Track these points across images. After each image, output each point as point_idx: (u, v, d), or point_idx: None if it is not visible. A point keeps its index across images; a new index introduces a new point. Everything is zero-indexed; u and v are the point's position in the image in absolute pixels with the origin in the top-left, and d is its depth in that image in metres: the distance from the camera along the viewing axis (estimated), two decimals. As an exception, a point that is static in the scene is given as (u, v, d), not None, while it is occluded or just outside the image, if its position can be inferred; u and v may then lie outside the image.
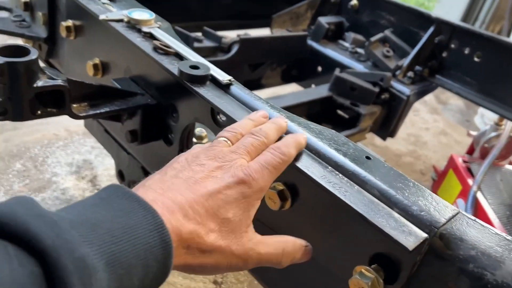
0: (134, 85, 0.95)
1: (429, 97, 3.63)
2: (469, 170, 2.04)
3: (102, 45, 1.03)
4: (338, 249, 0.65)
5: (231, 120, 0.72)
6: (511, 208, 1.85)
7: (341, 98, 1.94)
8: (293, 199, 0.69)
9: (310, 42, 2.20)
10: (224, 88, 0.78)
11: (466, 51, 1.96)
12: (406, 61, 1.99)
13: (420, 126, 3.09)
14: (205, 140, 1.12)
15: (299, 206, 0.68)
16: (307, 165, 0.63)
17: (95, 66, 1.05)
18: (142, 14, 0.91)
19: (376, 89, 1.93)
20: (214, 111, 0.77)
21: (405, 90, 1.94)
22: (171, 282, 1.50)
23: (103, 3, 0.99)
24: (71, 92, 0.79)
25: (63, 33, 1.12)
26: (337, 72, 1.94)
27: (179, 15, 2.01)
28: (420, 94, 2.04)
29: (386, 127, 2.04)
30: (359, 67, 2.08)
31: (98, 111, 0.84)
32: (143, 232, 0.43)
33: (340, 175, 0.63)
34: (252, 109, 0.75)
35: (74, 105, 0.82)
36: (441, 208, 0.60)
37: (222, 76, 0.78)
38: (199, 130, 1.01)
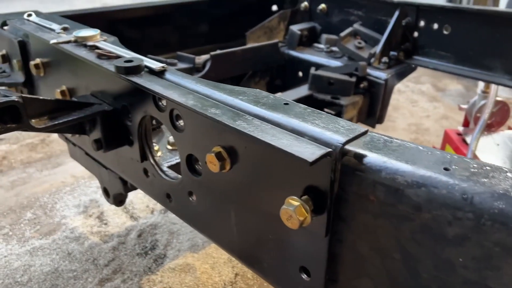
0: (93, 98, 1.03)
1: (426, 87, 3.64)
2: (464, 142, 2.03)
3: (64, 72, 1.13)
4: (277, 192, 0.69)
5: (171, 104, 0.79)
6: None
7: (321, 95, 1.99)
8: (232, 160, 0.74)
9: (286, 51, 2.28)
10: (159, 74, 0.84)
11: (435, 26, 2.00)
12: (378, 48, 2.04)
13: (420, 115, 3.09)
14: (159, 153, 1.19)
15: (237, 164, 0.73)
16: (231, 121, 0.68)
17: (62, 92, 1.14)
18: (88, 31, 1.00)
19: (353, 79, 1.97)
20: (155, 98, 0.84)
21: (381, 75, 1.98)
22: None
23: (58, 33, 1.09)
24: (27, 107, 0.87)
25: (34, 71, 1.23)
26: (312, 70, 2.01)
27: (160, 48, 2.13)
28: (399, 76, 2.07)
29: (372, 114, 2.06)
30: (336, 64, 2.13)
31: (56, 122, 0.92)
32: None
33: (258, 120, 0.68)
34: (188, 88, 0.81)
35: (34, 120, 0.90)
36: (350, 129, 0.64)
37: (156, 65, 0.84)
38: (172, 137, 1.07)
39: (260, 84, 2.31)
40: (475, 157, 1.84)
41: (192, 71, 1.84)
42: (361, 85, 2.00)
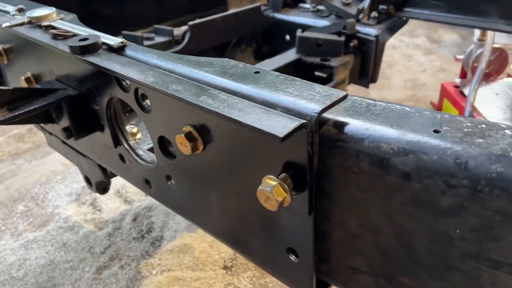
0: (58, 84, 0.95)
1: (421, 40, 3.52)
2: (462, 94, 1.95)
3: (27, 57, 1.05)
4: (255, 171, 0.63)
5: (135, 83, 0.72)
6: (512, 119, 1.75)
7: (310, 58, 1.90)
8: (204, 140, 0.68)
9: (271, 14, 2.18)
10: (118, 51, 0.77)
11: (425, -26, 1.89)
12: (366, 3, 1.93)
13: (416, 70, 2.99)
14: (138, 136, 1.12)
15: (211, 144, 0.66)
16: (194, 97, 0.61)
17: (27, 80, 1.06)
18: (42, 11, 0.92)
19: (342, 38, 1.88)
20: (119, 78, 0.77)
21: (371, 31, 1.89)
22: (180, 277, 1.50)
23: (13, 15, 1.00)
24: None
25: (-3, 59, 1.15)
26: (299, 33, 1.91)
27: (138, 23, 2.03)
28: (390, 31, 1.97)
29: (365, 73, 1.98)
30: (323, 23, 2.03)
31: (17, 113, 0.85)
32: None
33: (225, 94, 0.61)
34: (149, 64, 0.73)
35: (-7, 112, 0.83)
36: (326, 95, 0.57)
37: (114, 41, 0.77)
38: (130, 127, 1.01)
39: (247, 52, 2.22)
40: (474, 109, 1.76)
41: (171, 44, 1.75)
42: (351, 44, 1.91)
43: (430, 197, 0.50)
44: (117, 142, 0.92)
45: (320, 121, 0.56)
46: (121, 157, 0.95)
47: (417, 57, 3.20)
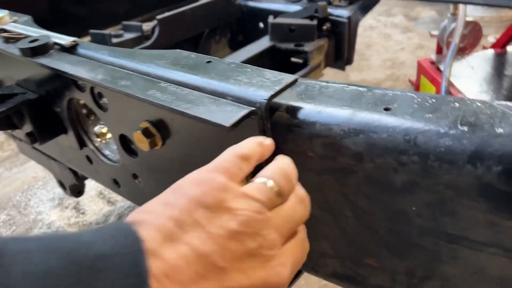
0: (18, 88, 0.93)
1: (398, 19, 3.51)
2: (439, 70, 1.95)
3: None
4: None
5: (89, 82, 0.70)
6: (489, 93, 1.76)
7: (284, 44, 1.88)
8: (163, 135, 0.66)
9: (243, 2, 2.15)
10: (71, 50, 0.75)
11: (392, -48, 1.87)
12: (336, -15, 1.91)
13: (394, 49, 2.99)
14: (108, 135, 1.09)
15: (170, 139, 0.65)
16: (142, 92, 0.60)
17: (-12, 87, 1.04)
18: (-7, 15, 0.89)
19: (314, 22, 1.86)
20: (75, 80, 0.75)
21: (343, 13, 1.87)
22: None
23: (-34, 21, 0.97)
24: None
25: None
26: (270, 19, 1.89)
27: (108, 21, 1.99)
28: (363, 11, 1.96)
29: (340, 56, 1.97)
30: (295, 8, 2.01)
31: (-26, 121, 0.83)
32: None
33: (175, 86, 0.59)
34: (101, 61, 0.71)
35: None
36: (276, 81, 0.56)
37: (65, 40, 0.75)
38: (98, 127, 0.99)
39: (222, 42, 2.20)
40: (450, 84, 1.76)
41: (141, 39, 1.72)
42: (324, 27, 1.89)
43: (384, 176, 0.49)
44: (82, 144, 0.91)
45: (271, 107, 0.54)
46: (88, 159, 0.93)
47: (395, 36, 3.19)
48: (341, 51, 1.99)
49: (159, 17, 1.67)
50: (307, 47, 1.83)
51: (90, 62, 0.70)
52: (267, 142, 0.48)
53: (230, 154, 0.44)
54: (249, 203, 0.38)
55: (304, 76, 1.78)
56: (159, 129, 0.66)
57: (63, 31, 0.85)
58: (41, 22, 0.93)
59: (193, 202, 0.37)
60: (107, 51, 0.72)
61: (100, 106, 0.76)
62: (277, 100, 0.55)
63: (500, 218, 0.43)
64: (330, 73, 2.27)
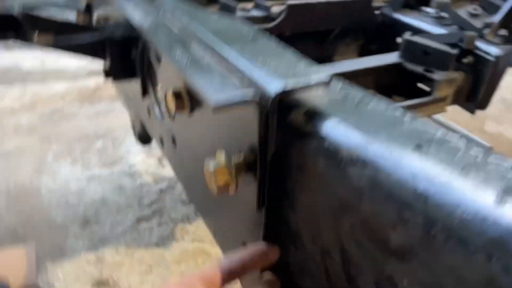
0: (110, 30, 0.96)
1: None
2: None
3: None
4: (225, 145, 0.55)
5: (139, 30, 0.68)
6: None
7: (412, 65, 1.71)
8: (192, 102, 0.62)
9: (389, 12, 2.00)
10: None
11: None
12: (497, 17, 1.66)
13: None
14: None
15: (199, 108, 0.61)
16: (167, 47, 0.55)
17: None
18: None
19: (455, 51, 1.65)
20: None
21: (493, 50, 1.62)
22: (207, 251, 1.48)
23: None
24: (31, 22, 0.84)
25: None
26: (407, 35, 1.72)
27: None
28: (519, 55, 1.68)
29: (473, 97, 1.72)
30: (440, 31, 1.81)
31: (60, 42, 0.88)
32: None
33: (203, 51, 0.53)
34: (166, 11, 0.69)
35: (37, 35, 0.87)
36: (303, 76, 0.46)
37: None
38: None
39: (352, 46, 2.08)
40: None
41: (266, 20, 1.70)
42: (465, 60, 1.66)
43: (380, 228, 0.38)
44: (144, 91, 0.91)
45: (286, 104, 0.46)
46: (148, 110, 0.93)
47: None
48: (476, 91, 1.74)
49: (290, 2, 1.62)
50: (437, 75, 1.63)
51: (155, 11, 0.68)
52: None
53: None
54: None
55: (423, 106, 1.59)
56: (191, 95, 0.61)
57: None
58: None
59: None
60: (176, 3, 0.69)
61: (159, 59, 0.73)
62: (299, 97, 0.46)
63: None
64: (465, 117, 1.99)
